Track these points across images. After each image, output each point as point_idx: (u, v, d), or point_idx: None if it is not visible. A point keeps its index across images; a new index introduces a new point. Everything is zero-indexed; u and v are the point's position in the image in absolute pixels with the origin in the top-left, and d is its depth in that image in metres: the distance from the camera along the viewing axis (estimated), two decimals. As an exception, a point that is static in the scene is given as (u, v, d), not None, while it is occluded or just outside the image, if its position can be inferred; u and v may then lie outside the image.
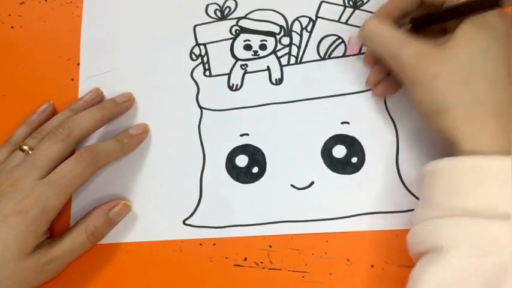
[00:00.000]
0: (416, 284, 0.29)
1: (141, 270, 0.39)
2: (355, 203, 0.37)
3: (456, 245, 0.28)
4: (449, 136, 0.31)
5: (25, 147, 0.39)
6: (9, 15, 0.47)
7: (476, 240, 0.28)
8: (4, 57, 0.46)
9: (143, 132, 0.41)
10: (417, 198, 0.37)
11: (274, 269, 0.38)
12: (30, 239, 0.36)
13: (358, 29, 0.37)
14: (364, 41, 0.36)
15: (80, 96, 0.44)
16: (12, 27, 0.46)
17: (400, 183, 0.38)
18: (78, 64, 0.44)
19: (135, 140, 0.41)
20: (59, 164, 0.37)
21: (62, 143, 0.37)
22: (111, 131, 0.42)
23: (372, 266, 0.36)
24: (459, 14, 0.32)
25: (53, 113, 0.43)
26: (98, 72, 0.44)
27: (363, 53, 0.40)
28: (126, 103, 0.42)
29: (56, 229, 0.40)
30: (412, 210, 0.37)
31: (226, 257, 0.38)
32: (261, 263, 0.38)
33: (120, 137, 0.40)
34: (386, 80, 0.38)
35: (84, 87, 0.44)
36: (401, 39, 0.33)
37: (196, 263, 0.39)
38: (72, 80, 0.44)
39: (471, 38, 0.31)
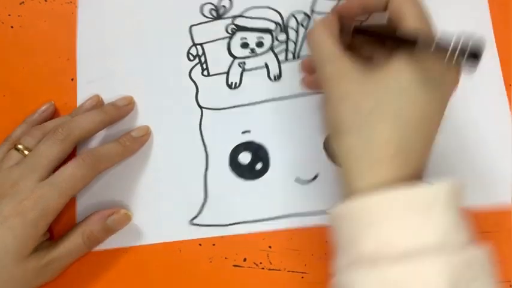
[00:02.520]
0: None
1: (141, 272, 0.39)
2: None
3: None
4: (342, 163, 0.31)
5: (20, 147, 0.38)
6: (9, 15, 0.46)
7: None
8: (3, 57, 0.46)
9: (145, 135, 0.41)
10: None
11: (273, 269, 0.38)
12: (30, 241, 0.36)
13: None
14: (308, 43, 0.36)
15: (78, 96, 0.43)
16: (12, 27, 0.46)
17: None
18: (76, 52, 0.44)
19: (137, 142, 0.41)
20: (58, 165, 0.37)
21: (60, 144, 0.37)
22: (112, 134, 0.42)
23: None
24: (395, 40, 0.31)
25: (54, 113, 0.43)
26: (96, 76, 0.44)
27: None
28: (126, 107, 0.42)
29: (59, 230, 0.40)
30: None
31: (226, 258, 0.38)
32: (261, 263, 0.38)
33: (122, 140, 0.40)
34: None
35: (82, 93, 0.43)
36: (331, 53, 0.32)
37: (196, 263, 0.39)
38: (72, 80, 0.44)
39: (395, 73, 0.30)
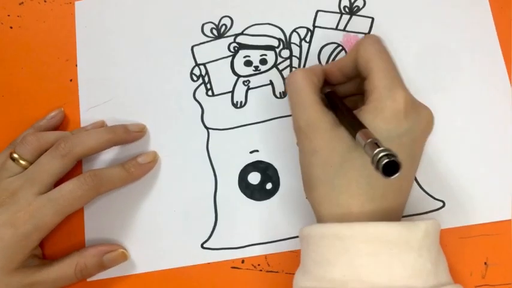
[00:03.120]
0: None
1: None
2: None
3: None
4: (315, 212, 0.33)
5: (15, 156, 0.38)
6: (8, 15, 0.46)
7: None
8: (3, 57, 0.46)
9: (152, 162, 0.40)
10: (435, 198, 0.37)
11: (271, 271, 0.38)
12: (18, 255, 0.35)
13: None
14: (286, 87, 0.36)
15: (79, 96, 0.43)
16: (11, 27, 0.46)
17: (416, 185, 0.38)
18: (77, 65, 0.44)
19: (143, 169, 0.40)
20: (59, 179, 0.37)
21: (62, 159, 0.37)
22: (116, 153, 0.42)
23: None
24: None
25: (62, 120, 0.43)
26: (98, 102, 0.43)
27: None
28: (137, 133, 0.41)
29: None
30: (424, 213, 0.37)
31: (224, 259, 0.38)
32: (259, 265, 0.38)
33: (127, 165, 0.39)
34: None
35: (85, 118, 0.43)
36: (310, 103, 0.33)
37: (194, 264, 0.38)
38: (71, 80, 0.44)
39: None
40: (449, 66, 0.40)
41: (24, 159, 0.37)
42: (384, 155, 0.27)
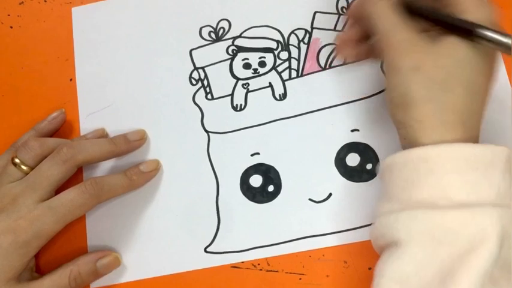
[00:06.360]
0: (379, 279, 0.29)
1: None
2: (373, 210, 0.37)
3: (412, 238, 0.29)
4: (410, 131, 0.31)
5: (17, 161, 0.37)
6: (9, 15, 0.46)
7: (431, 232, 0.28)
8: (3, 57, 0.46)
9: (154, 170, 0.40)
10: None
11: (271, 270, 0.38)
12: (16, 263, 0.35)
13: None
14: (366, 16, 0.35)
15: (79, 103, 0.43)
16: (11, 27, 0.46)
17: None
18: (75, 71, 0.44)
19: (144, 177, 0.40)
20: (59, 185, 0.37)
21: (63, 165, 0.37)
22: (117, 158, 0.41)
23: (370, 268, 0.36)
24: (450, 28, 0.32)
25: (64, 121, 0.43)
26: (98, 108, 0.43)
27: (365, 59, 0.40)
28: (137, 142, 0.41)
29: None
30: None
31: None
32: (259, 264, 0.38)
33: (129, 173, 0.39)
34: (358, 45, 0.38)
35: (85, 126, 0.43)
36: (398, 22, 0.32)
37: (198, 268, 0.38)
38: (71, 80, 0.44)
39: (457, 45, 0.31)
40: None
41: (26, 165, 0.37)
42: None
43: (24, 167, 0.37)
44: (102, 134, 0.42)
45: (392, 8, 0.33)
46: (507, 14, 0.40)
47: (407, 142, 0.32)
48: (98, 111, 0.43)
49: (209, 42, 0.43)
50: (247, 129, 0.41)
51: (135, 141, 0.41)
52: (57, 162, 0.37)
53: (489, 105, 0.38)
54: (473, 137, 0.31)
